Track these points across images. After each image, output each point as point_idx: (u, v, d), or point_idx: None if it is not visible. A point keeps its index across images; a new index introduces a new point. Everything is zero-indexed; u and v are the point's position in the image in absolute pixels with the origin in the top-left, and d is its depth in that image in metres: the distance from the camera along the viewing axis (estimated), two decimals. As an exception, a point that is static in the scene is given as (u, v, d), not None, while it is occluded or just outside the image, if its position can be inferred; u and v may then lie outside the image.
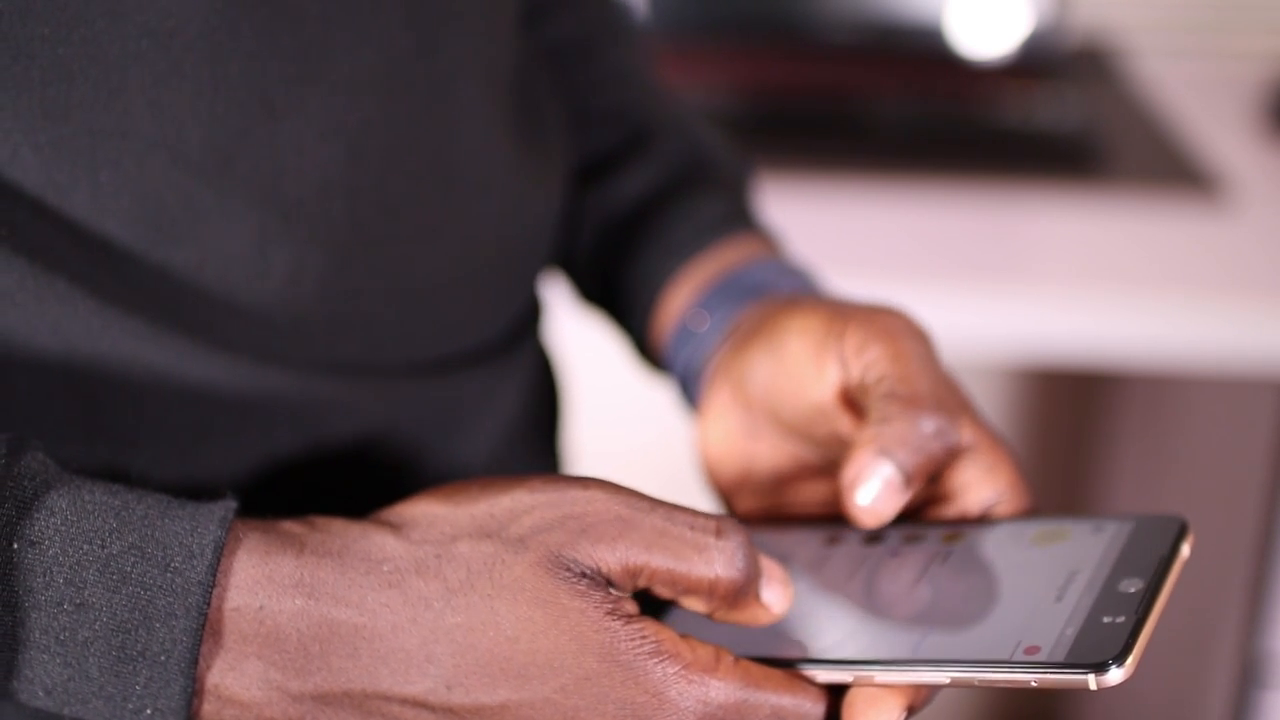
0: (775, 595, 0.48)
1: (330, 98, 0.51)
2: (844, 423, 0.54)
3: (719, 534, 0.46)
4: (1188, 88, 1.49)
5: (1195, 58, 1.56)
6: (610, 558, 0.45)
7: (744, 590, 0.46)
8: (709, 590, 0.46)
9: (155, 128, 0.48)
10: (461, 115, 0.56)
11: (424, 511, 0.46)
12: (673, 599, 0.47)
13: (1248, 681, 1.29)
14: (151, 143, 0.48)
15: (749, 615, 0.47)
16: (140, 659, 0.42)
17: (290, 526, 0.45)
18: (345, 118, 0.52)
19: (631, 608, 0.45)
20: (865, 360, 0.52)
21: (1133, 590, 0.44)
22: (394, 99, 0.53)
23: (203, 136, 0.49)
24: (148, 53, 0.47)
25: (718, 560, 0.46)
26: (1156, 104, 1.43)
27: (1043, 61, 1.43)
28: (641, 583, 0.46)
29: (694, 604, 0.47)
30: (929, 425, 0.50)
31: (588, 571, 0.45)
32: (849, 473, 0.50)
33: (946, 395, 0.52)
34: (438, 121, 0.55)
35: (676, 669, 0.44)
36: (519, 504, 0.46)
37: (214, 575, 0.43)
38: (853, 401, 0.53)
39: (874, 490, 0.50)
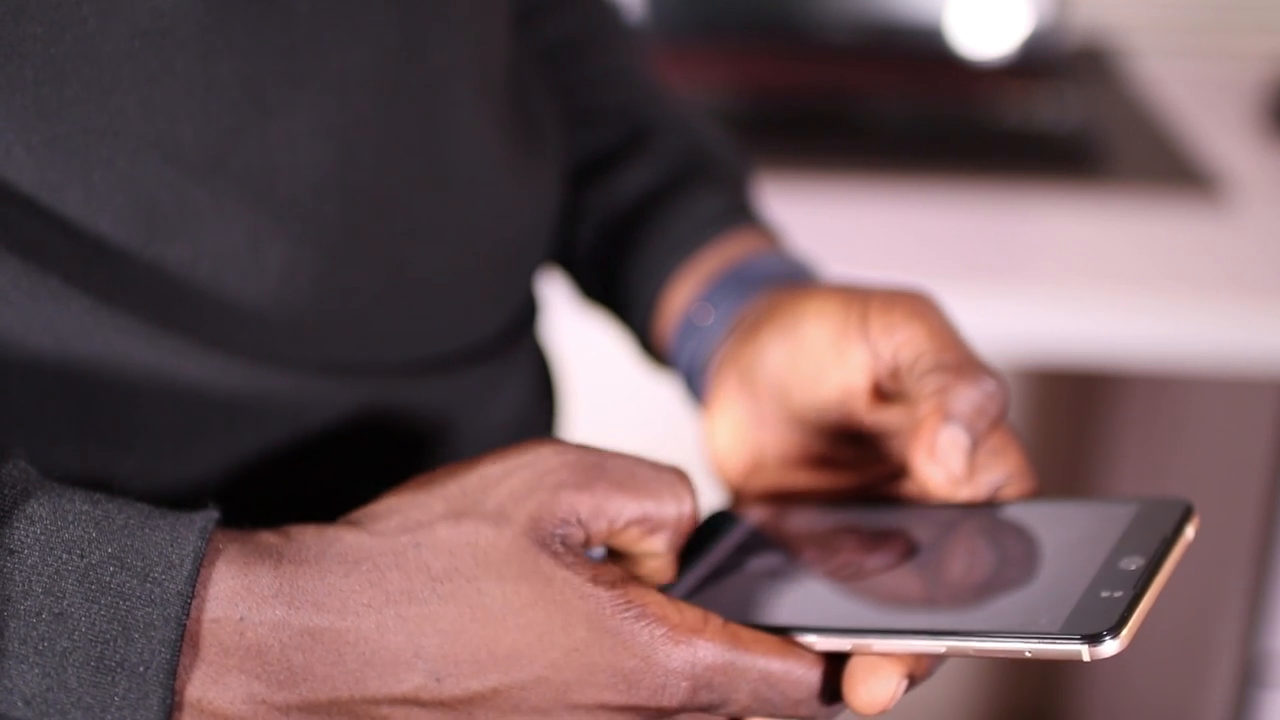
0: None
1: (321, 96, 0.51)
2: (862, 407, 0.54)
3: (677, 472, 0.48)
4: (1188, 88, 1.48)
5: (1195, 58, 1.56)
6: (587, 502, 0.46)
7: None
8: (675, 523, 0.48)
9: (148, 126, 0.48)
10: (454, 114, 0.56)
11: (391, 505, 0.46)
12: (638, 543, 0.48)
13: (1248, 681, 1.29)
14: (144, 141, 0.48)
15: None
16: (119, 670, 0.42)
17: (267, 538, 0.45)
18: (337, 116, 0.52)
19: (616, 574, 0.45)
20: (896, 342, 0.52)
21: (1133, 567, 0.44)
22: (385, 98, 0.53)
23: (195, 135, 0.49)
24: (140, 51, 0.47)
25: (683, 493, 0.48)
26: (1156, 104, 1.43)
27: (1043, 61, 1.43)
28: (619, 525, 0.47)
29: (658, 542, 0.48)
30: (988, 385, 0.50)
31: (571, 529, 0.45)
32: (921, 445, 0.50)
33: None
34: (430, 120, 0.55)
35: (663, 631, 0.44)
36: (488, 475, 0.46)
37: (193, 586, 0.42)
38: (880, 387, 0.53)
39: (949, 457, 0.49)
